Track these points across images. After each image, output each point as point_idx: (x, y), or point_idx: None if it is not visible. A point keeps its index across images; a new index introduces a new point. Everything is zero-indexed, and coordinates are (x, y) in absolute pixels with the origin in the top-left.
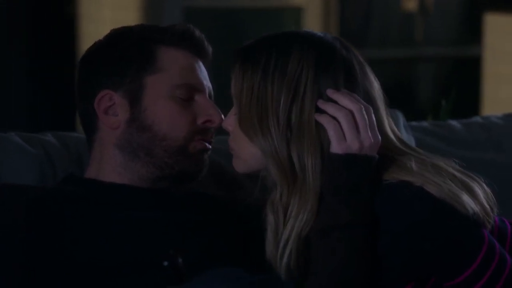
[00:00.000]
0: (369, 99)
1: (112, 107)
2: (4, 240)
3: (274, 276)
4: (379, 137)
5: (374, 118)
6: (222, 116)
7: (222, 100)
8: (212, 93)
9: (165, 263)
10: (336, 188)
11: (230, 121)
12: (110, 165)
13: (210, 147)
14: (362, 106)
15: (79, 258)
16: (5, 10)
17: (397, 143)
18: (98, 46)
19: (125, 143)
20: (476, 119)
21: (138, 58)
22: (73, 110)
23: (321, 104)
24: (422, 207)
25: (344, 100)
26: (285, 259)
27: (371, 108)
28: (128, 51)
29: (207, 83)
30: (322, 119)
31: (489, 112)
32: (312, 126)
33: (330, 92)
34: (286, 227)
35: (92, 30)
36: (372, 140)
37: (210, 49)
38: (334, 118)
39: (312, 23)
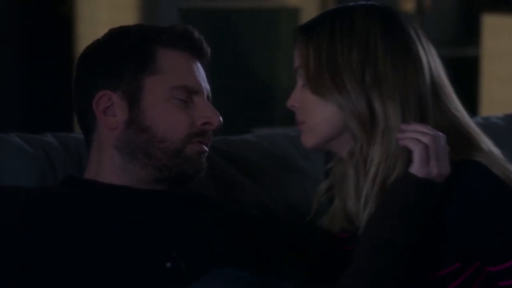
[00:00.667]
0: (436, 65)
1: (110, 108)
2: (4, 241)
3: (274, 277)
4: (449, 167)
5: (448, 147)
6: (220, 118)
7: (221, 101)
8: (210, 94)
9: (168, 265)
10: (401, 208)
11: (295, 97)
12: (109, 167)
13: (207, 149)
14: (441, 134)
15: (79, 259)
16: (1, 11)
17: (469, 119)
18: (97, 46)
19: (123, 144)
20: (476, 119)
21: (137, 58)
22: (71, 111)
23: (400, 135)
24: (488, 188)
25: (422, 128)
26: (367, 210)
27: (445, 137)
28: (127, 51)
29: (205, 84)
30: (407, 142)
31: (487, 113)
32: (389, 74)
33: (404, 126)
34: (368, 177)
35: (89, 31)
36: (447, 169)
37: (209, 50)
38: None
39: None
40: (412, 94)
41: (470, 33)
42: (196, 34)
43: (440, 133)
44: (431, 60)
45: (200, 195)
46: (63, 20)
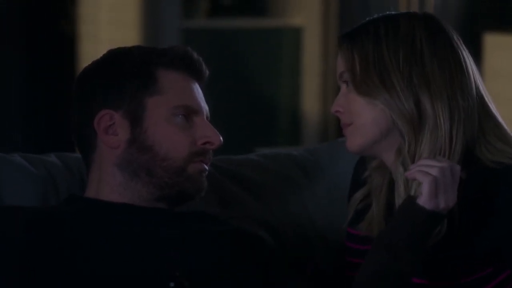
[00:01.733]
0: (476, 69)
1: (112, 127)
2: (6, 260)
3: None
4: (456, 199)
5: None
6: (220, 138)
7: (224, 120)
8: (209, 114)
9: (171, 285)
10: (407, 238)
11: (339, 102)
12: (110, 185)
13: (207, 168)
14: (447, 166)
15: (80, 277)
16: (3, 29)
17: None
18: (97, 66)
19: (125, 162)
20: None
21: (138, 79)
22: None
23: (408, 172)
24: None
25: (429, 161)
26: None
27: (453, 167)
28: (129, 72)
29: (204, 105)
30: (416, 175)
31: None
32: (436, 74)
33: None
34: None
35: (91, 49)
36: (454, 201)
37: (207, 71)
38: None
39: (312, 43)
40: (460, 94)
41: (472, 52)
42: (195, 55)
43: (446, 165)
44: (472, 64)
45: (202, 212)
46: (65, 39)
